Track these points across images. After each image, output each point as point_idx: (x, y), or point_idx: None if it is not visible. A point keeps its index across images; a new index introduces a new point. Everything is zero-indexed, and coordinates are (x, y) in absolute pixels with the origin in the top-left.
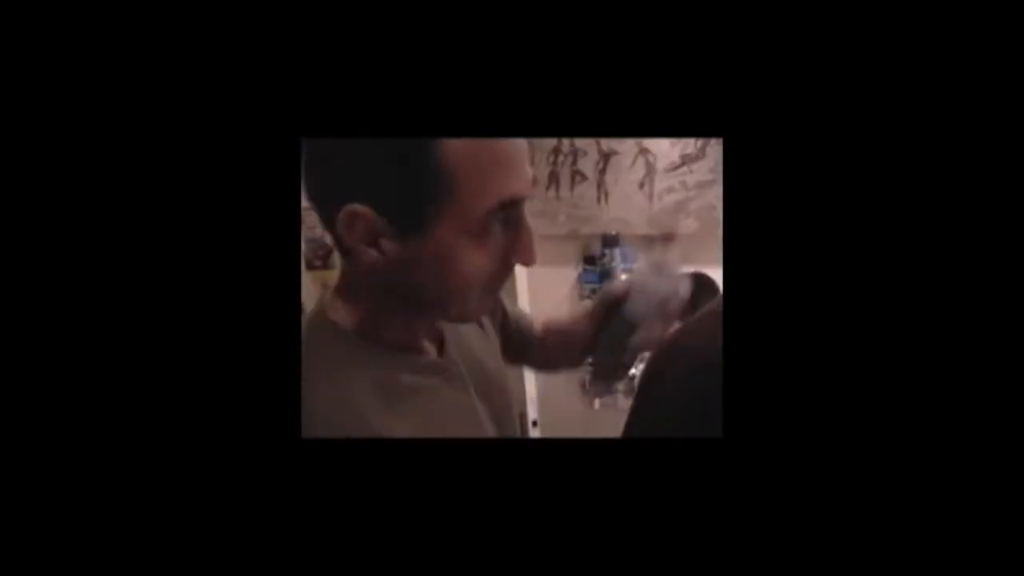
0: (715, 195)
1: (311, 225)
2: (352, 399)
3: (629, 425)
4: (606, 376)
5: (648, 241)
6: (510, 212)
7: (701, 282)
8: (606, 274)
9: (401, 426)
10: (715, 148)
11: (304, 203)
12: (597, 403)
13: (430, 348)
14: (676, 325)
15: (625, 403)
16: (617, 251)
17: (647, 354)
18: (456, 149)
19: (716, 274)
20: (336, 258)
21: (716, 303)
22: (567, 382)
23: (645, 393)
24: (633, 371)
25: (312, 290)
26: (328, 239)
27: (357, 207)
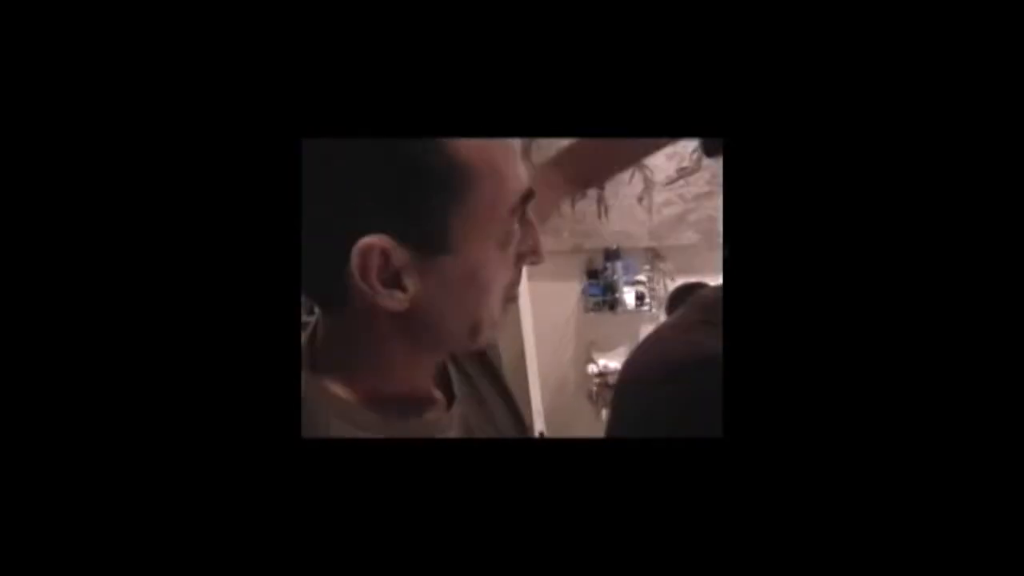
0: (714, 206)
1: None
2: None
3: (610, 428)
4: None
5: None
6: (524, 208)
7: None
8: (609, 287)
9: None
10: (711, 160)
11: None
12: (604, 413)
13: (438, 395)
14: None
15: None
16: (619, 264)
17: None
18: (465, 145)
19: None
20: None
21: (692, 304)
22: (575, 394)
23: (622, 395)
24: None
25: None
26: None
27: (373, 239)
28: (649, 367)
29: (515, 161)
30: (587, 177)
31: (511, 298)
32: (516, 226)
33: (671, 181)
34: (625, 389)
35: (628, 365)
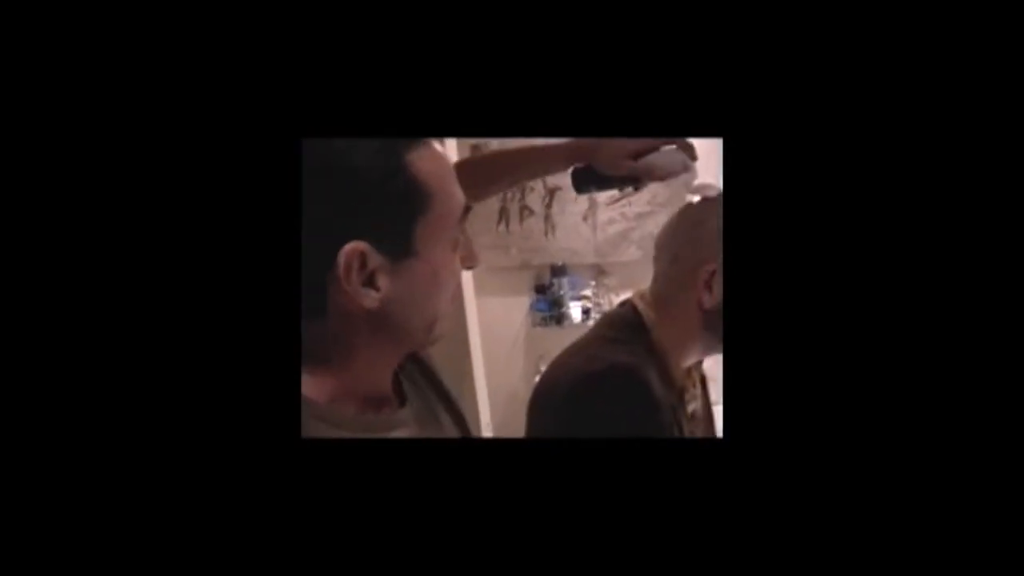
0: (656, 224)
1: None
2: None
3: (528, 430)
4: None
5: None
6: (465, 219)
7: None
8: (556, 302)
9: None
10: (584, 195)
11: None
12: None
13: (393, 396)
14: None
15: None
16: (565, 280)
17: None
18: (421, 161)
19: None
20: None
21: (600, 321)
22: (524, 407)
23: (533, 409)
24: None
25: None
26: None
27: (355, 244)
28: (556, 383)
29: (455, 180)
30: (493, 184)
31: (455, 297)
32: (460, 232)
33: (614, 200)
34: (535, 402)
35: (540, 381)
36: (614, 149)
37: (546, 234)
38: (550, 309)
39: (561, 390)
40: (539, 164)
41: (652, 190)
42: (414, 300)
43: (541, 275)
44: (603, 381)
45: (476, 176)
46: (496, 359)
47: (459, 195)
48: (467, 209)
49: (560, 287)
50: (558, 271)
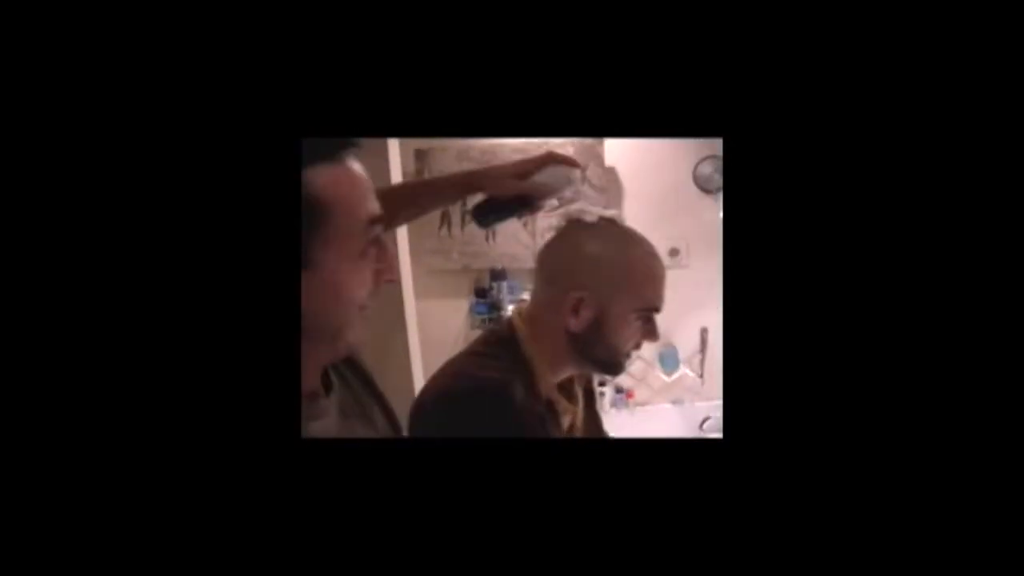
0: None
1: None
2: None
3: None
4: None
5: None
6: (378, 232)
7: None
8: (495, 306)
9: None
10: (586, 189)
11: None
12: None
13: (320, 390)
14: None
15: None
16: (504, 284)
17: None
18: (321, 177)
19: None
20: None
21: (480, 335)
22: None
23: (412, 421)
24: None
25: None
26: None
27: None
28: (424, 403)
29: (364, 194)
30: (395, 216)
31: (366, 310)
32: (370, 247)
33: (553, 208)
34: (410, 422)
35: (415, 402)
36: (499, 172)
37: (487, 239)
38: (489, 312)
39: (428, 409)
40: (434, 196)
41: (591, 199)
42: (312, 308)
43: (481, 279)
44: (465, 399)
45: (397, 202)
46: (435, 361)
47: (364, 211)
48: (374, 221)
49: (499, 291)
50: (497, 275)
